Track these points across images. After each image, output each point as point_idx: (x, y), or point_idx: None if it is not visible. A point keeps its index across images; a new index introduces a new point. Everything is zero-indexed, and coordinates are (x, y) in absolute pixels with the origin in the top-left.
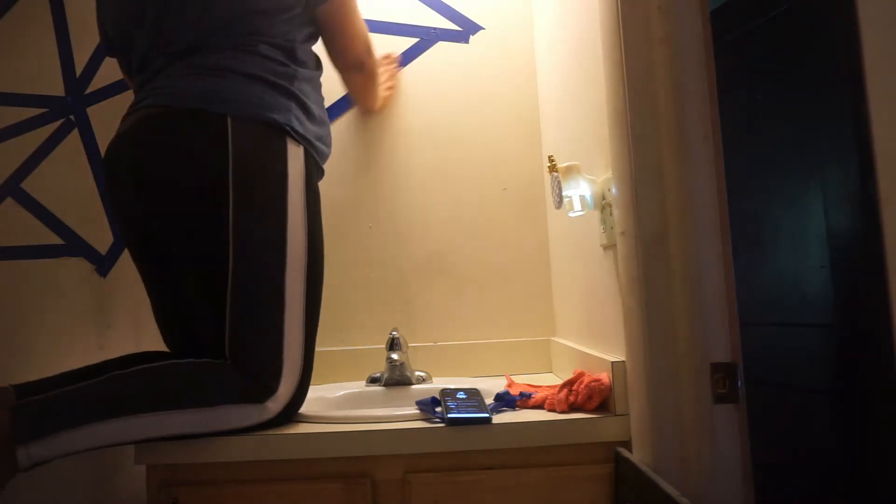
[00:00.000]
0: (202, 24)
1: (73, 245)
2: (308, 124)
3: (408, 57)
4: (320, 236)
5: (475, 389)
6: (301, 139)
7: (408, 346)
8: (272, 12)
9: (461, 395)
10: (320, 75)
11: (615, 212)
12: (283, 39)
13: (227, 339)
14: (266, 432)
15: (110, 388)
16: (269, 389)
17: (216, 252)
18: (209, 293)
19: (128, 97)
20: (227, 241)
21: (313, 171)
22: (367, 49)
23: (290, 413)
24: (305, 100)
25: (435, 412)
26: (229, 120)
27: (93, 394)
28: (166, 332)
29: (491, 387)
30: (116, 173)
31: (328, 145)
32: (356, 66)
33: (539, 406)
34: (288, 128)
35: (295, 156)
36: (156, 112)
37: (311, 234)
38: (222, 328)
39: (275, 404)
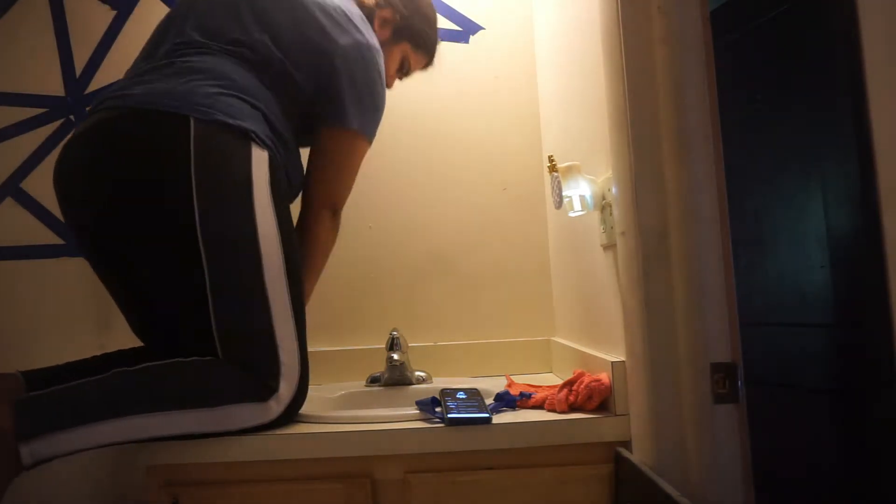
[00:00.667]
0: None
1: (74, 245)
2: (275, 138)
3: None
4: (294, 237)
5: (475, 389)
6: (266, 145)
7: (408, 346)
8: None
9: (461, 395)
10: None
11: (615, 212)
12: (279, 97)
13: (217, 344)
14: (266, 432)
15: (115, 385)
16: (271, 389)
17: (181, 254)
18: (178, 295)
19: None
20: (194, 242)
21: (280, 175)
22: (343, 201)
23: (292, 413)
24: (275, 121)
25: (435, 412)
26: (192, 121)
27: (97, 391)
28: (144, 338)
29: (491, 387)
30: (67, 176)
31: (294, 174)
32: (331, 207)
33: (539, 406)
34: (252, 133)
35: (260, 159)
36: (114, 114)
37: (284, 235)
38: (200, 329)
39: (277, 404)
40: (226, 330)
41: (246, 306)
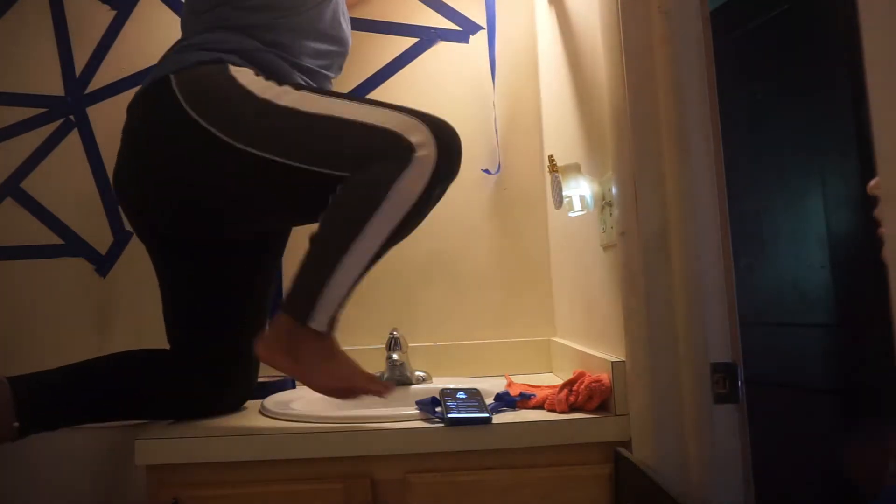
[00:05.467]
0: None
1: (73, 245)
2: (255, 43)
3: (408, 57)
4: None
5: (475, 389)
6: (243, 60)
7: (408, 346)
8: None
9: (461, 395)
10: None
11: (615, 212)
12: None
13: (340, 170)
14: (266, 432)
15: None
16: (408, 147)
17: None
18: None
19: (127, 97)
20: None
21: (279, 76)
22: None
23: (452, 146)
24: (253, 29)
25: (435, 412)
26: (172, 77)
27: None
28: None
29: (491, 387)
30: (118, 161)
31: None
32: None
33: (539, 406)
34: (218, 55)
35: (242, 72)
36: (134, 98)
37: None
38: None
39: (426, 148)
40: (336, 157)
41: (324, 133)
